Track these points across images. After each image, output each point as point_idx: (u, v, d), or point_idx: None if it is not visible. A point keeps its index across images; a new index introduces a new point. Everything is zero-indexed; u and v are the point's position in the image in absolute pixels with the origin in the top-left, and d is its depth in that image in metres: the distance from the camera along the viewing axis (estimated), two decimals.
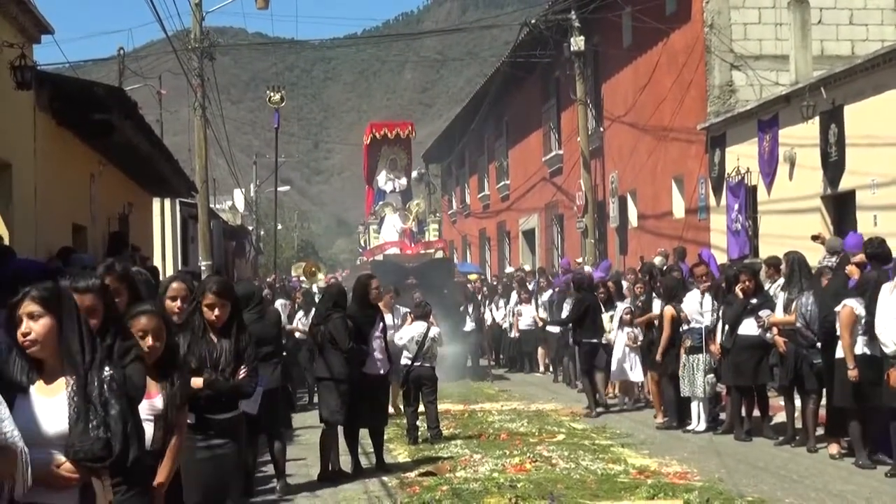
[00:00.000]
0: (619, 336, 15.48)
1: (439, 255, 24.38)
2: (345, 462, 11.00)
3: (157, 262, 23.38)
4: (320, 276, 28.82)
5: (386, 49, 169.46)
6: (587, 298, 15.75)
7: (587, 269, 22.21)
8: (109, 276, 5.46)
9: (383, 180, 25.71)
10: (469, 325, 22.54)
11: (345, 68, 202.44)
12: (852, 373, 10.25)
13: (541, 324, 21.89)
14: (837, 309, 10.57)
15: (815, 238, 14.72)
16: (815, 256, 13.88)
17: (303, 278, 29.45)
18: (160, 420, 4.91)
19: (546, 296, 21.90)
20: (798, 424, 12.04)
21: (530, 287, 23.30)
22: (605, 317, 15.90)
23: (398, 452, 12.16)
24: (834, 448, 10.99)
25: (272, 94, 31.63)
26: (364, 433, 11.32)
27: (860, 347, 10.34)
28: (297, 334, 17.15)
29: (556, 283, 22.05)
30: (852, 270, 11.05)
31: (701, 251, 18.01)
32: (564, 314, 19.83)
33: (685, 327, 13.52)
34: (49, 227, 13.35)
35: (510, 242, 38.52)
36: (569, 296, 20.37)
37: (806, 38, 18.49)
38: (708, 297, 13.47)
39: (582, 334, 15.68)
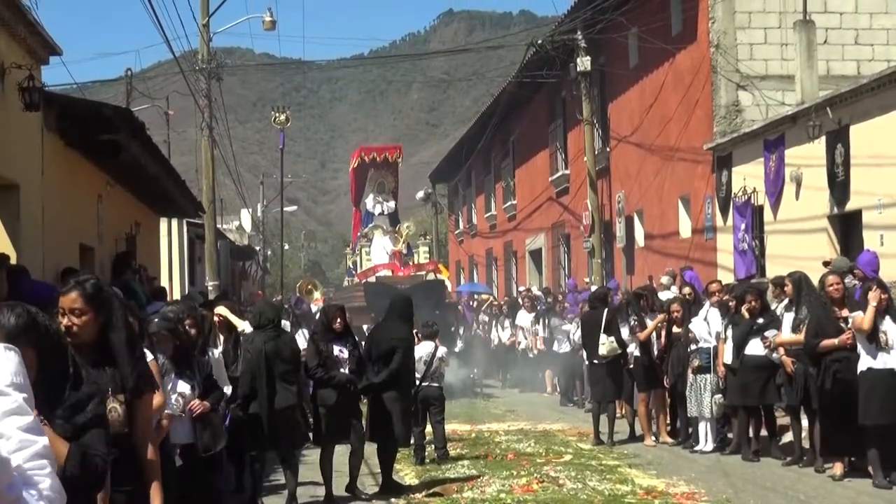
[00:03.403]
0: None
1: (431, 276, 24.40)
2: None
3: (164, 282, 23.41)
4: (317, 293, 28.86)
5: (392, 69, 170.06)
6: (585, 316, 15.57)
7: (593, 289, 22.23)
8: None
9: (371, 203, 25.77)
10: (459, 346, 22.56)
11: (351, 88, 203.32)
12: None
13: (543, 346, 21.92)
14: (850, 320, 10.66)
15: (826, 265, 14.67)
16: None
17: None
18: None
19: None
20: (806, 444, 12.02)
21: (537, 308, 23.25)
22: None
23: (405, 473, 12.14)
24: (838, 469, 10.96)
25: (277, 114, 31.76)
26: (372, 451, 11.31)
27: (885, 362, 10.32)
28: None
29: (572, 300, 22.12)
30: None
31: (685, 272, 17.94)
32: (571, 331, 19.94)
33: (693, 347, 13.52)
34: (56, 248, 13.37)
35: (517, 262, 38.50)
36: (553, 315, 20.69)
37: (812, 58, 18.51)
38: (717, 315, 13.48)
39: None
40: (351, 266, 26.52)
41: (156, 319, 7.58)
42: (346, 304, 13.14)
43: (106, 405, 3.95)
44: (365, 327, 19.82)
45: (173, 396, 7.25)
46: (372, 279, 23.25)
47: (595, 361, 14.57)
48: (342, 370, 10.59)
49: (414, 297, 20.86)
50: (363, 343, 12.07)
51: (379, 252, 24.60)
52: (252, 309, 11.14)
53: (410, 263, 24.40)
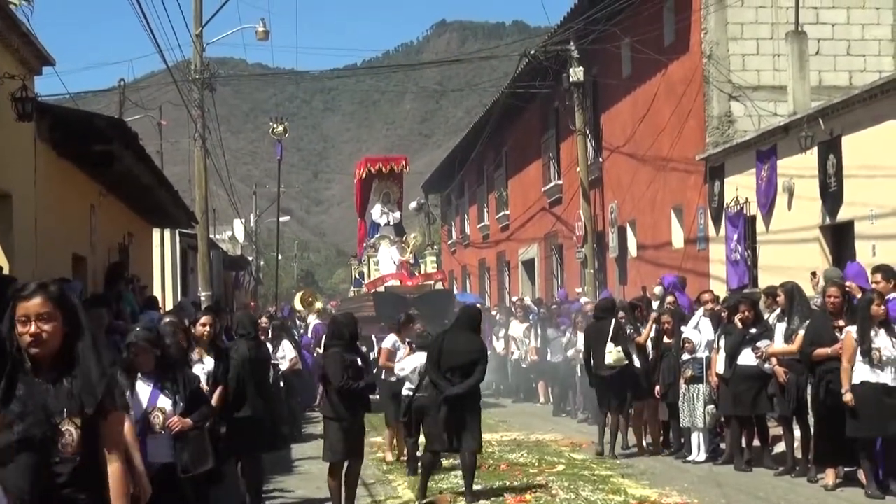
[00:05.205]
0: None
1: (439, 286, 24.42)
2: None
3: (156, 292, 23.39)
4: (318, 304, 28.79)
5: (385, 79, 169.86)
6: (590, 327, 15.45)
7: (584, 299, 22.28)
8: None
9: (378, 213, 25.72)
10: None
11: (344, 99, 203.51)
12: (847, 397, 10.29)
13: (536, 356, 21.88)
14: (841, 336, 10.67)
15: (813, 275, 14.70)
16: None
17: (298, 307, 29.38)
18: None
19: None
20: (798, 454, 12.02)
21: (530, 318, 23.24)
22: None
23: (398, 483, 12.12)
24: (830, 479, 10.96)
25: (275, 125, 31.71)
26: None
27: (868, 374, 10.34)
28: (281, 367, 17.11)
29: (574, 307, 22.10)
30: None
31: (663, 278, 17.85)
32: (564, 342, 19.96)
33: (686, 357, 13.53)
34: (49, 258, 13.36)
35: (510, 272, 38.50)
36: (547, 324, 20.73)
37: (804, 68, 18.56)
38: (709, 325, 13.49)
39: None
40: (358, 276, 26.47)
41: (136, 329, 7.11)
42: (356, 314, 12.96)
43: (43, 428, 3.46)
44: (374, 337, 19.94)
45: (152, 414, 6.63)
46: (381, 289, 23.26)
47: (603, 373, 14.27)
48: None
49: (422, 306, 21.03)
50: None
51: (386, 262, 24.59)
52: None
53: (417, 273, 24.41)
